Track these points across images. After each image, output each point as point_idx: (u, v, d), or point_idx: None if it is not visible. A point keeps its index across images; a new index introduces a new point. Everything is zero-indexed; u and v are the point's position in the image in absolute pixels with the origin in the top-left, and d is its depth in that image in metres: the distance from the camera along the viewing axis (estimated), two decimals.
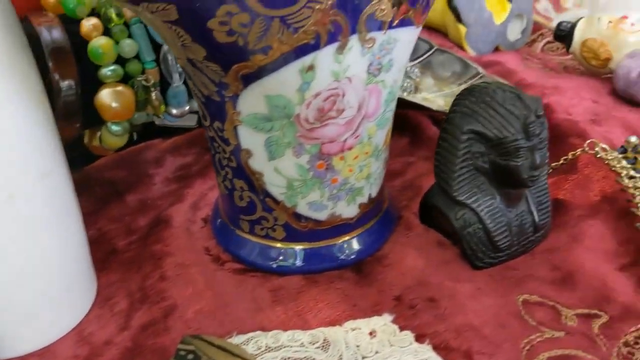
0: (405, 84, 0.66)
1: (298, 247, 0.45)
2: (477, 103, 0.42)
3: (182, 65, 0.40)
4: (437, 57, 0.70)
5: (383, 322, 0.38)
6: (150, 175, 0.56)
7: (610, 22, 0.64)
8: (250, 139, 0.40)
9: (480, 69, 0.66)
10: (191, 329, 0.40)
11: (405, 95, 0.65)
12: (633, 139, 0.52)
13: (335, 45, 0.35)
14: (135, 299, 0.42)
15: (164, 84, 0.53)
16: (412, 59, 0.71)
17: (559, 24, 0.68)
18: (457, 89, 0.63)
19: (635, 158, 0.51)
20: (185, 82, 0.53)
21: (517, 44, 0.75)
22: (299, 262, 0.45)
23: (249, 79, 0.36)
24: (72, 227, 0.40)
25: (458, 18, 0.70)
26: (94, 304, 0.43)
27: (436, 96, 0.64)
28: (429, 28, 0.78)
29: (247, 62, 0.35)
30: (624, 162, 0.50)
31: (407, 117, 0.62)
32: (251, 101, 0.38)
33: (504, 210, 0.43)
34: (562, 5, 0.89)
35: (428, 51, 0.71)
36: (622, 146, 0.52)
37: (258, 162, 0.41)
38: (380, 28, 0.37)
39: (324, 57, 0.36)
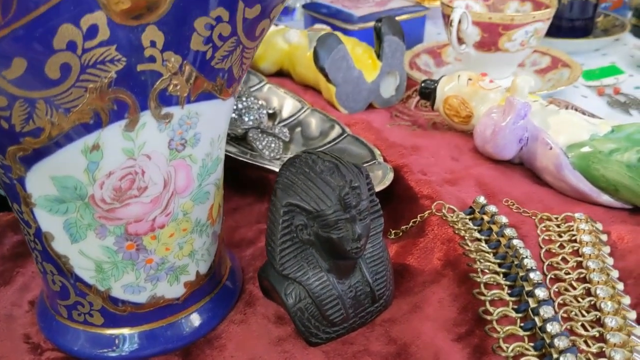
0: (272, 145, 0.65)
1: (120, 333, 0.42)
2: (297, 174, 0.40)
3: None
4: (308, 117, 0.70)
5: None
6: None
7: (470, 79, 0.65)
8: (48, 222, 0.37)
9: (346, 129, 0.65)
10: None
11: (272, 157, 0.64)
12: (481, 199, 0.52)
13: (123, 122, 0.33)
14: None
15: None
16: (283, 119, 0.71)
17: (423, 82, 0.68)
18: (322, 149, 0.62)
19: (482, 219, 0.51)
20: None
21: (392, 101, 0.75)
22: (121, 349, 0.41)
23: (28, 161, 0.34)
24: None
25: (326, 78, 0.69)
26: None
27: None
28: (305, 86, 0.78)
29: (20, 145, 0.32)
30: (470, 224, 0.50)
31: (268, 181, 0.60)
32: (38, 183, 0.35)
33: (335, 283, 0.42)
34: (444, 59, 0.91)
35: (299, 111, 0.71)
36: (470, 207, 0.52)
37: (61, 246, 0.38)
38: (177, 103, 0.35)
39: (110, 135, 0.33)
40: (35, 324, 0.45)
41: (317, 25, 0.89)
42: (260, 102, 0.70)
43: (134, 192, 0.36)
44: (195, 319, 0.43)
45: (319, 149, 0.63)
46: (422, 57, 0.88)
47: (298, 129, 0.69)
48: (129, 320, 0.41)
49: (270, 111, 0.72)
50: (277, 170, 0.57)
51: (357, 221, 0.40)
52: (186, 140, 0.37)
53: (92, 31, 0.30)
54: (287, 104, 0.73)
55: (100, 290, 0.40)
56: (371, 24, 0.91)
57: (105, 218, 0.37)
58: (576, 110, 0.59)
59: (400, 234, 0.52)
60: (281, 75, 0.82)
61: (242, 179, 0.60)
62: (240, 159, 0.58)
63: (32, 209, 0.37)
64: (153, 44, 0.32)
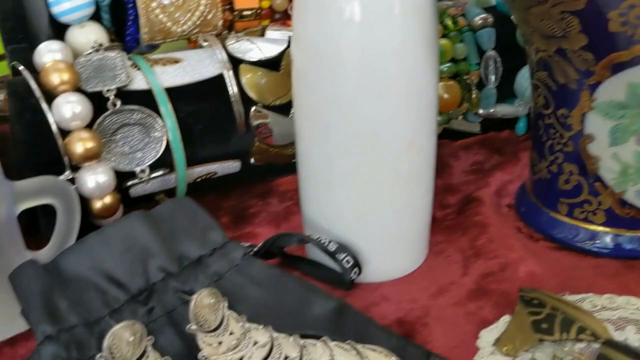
0: None
1: (615, 233, 0.49)
2: None
3: (533, 60, 0.46)
4: None
5: None
6: (450, 165, 0.64)
7: None
8: (595, 126, 0.45)
9: None
10: (525, 285, 0.45)
11: None
12: None
13: None
14: (468, 254, 0.49)
15: (478, 86, 0.61)
16: None
17: None
18: None
19: None
20: (497, 86, 0.61)
21: None
22: (614, 247, 0.48)
23: (618, 68, 0.42)
24: (431, 179, 0.48)
25: None
26: (428, 254, 0.50)
27: None
28: None
29: (625, 51, 0.41)
30: None
31: None
32: (611, 89, 0.43)
33: None
34: None
35: None
36: None
37: (597, 148, 0.46)
38: None
39: None
40: (519, 220, 0.54)
41: None
42: None
43: None
44: None
45: None
46: None
47: None
48: (626, 223, 0.48)
49: None
50: None
51: None
52: None
53: None
54: None
55: (615, 192, 0.47)
56: None
57: None
58: None
59: None
60: None
61: None
62: None
63: (586, 113, 0.45)
64: None
